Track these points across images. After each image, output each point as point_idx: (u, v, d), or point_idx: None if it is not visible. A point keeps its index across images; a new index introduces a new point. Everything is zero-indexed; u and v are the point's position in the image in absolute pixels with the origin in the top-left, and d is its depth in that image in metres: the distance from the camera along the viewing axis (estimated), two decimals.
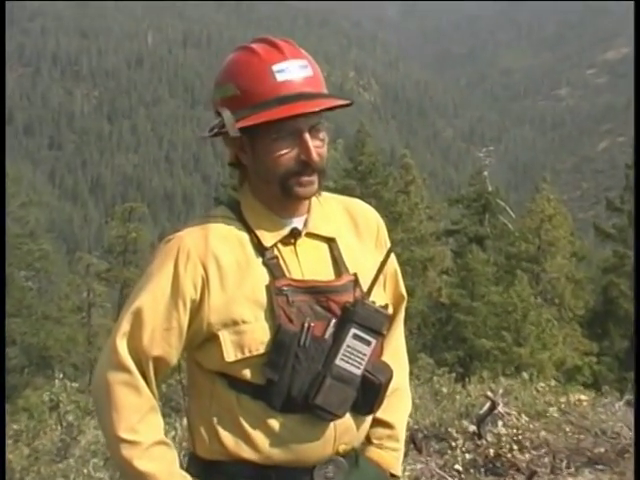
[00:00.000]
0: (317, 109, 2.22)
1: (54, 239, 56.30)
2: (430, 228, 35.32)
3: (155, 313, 2.23)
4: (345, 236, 2.39)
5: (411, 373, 2.70)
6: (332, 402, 2.22)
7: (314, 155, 2.24)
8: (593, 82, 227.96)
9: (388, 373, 2.33)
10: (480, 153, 40.64)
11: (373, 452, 2.49)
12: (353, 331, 2.23)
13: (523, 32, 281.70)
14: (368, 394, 2.28)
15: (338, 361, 2.22)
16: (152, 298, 2.23)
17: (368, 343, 2.25)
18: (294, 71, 2.24)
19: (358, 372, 2.25)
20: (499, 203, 35.54)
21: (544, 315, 28.18)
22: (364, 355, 2.25)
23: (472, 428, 7.11)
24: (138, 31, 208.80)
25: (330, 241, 2.35)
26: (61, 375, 9.83)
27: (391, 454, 2.52)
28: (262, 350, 2.21)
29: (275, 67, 2.23)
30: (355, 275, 2.32)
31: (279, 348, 2.19)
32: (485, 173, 36.59)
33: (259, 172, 2.29)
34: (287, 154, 2.23)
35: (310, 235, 2.34)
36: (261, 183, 2.30)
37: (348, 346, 2.23)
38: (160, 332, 2.23)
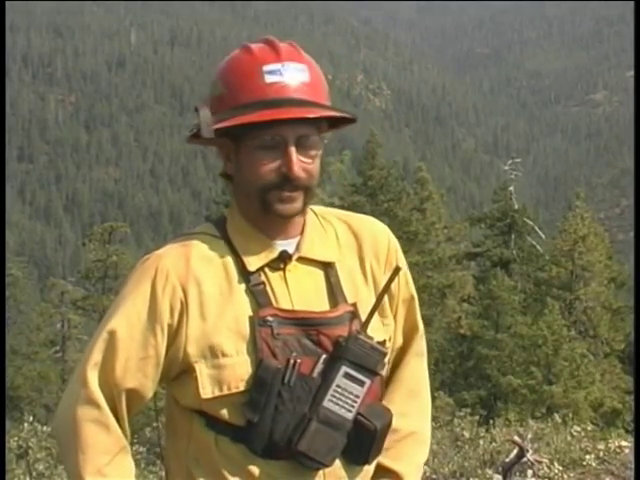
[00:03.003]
0: (302, 116, 2.21)
1: (24, 263, 56.21)
2: (449, 250, 35.30)
3: (130, 340, 2.22)
4: (346, 260, 2.38)
5: None
6: (318, 449, 2.20)
7: (296, 169, 2.22)
8: (633, 85, 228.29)
9: (386, 418, 2.30)
10: (505, 166, 40.55)
11: None
12: (344, 369, 2.22)
13: (554, 30, 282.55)
14: (362, 441, 2.26)
15: (326, 402, 2.21)
16: (127, 323, 2.23)
17: (361, 383, 2.23)
18: (287, 74, 2.24)
19: (349, 416, 2.23)
20: (527, 222, 35.52)
21: (578, 349, 28.11)
22: (356, 397, 2.23)
23: (497, 478, 7.08)
24: (120, 29, 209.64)
25: (327, 266, 2.34)
26: (31, 418, 9.81)
27: None
28: (242, 387, 2.20)
29: (266, 68, 2.24)
30: (354, 305, 2.31)
31: (260, 386, 2.18)
32: (511, 188, 36.57)
33: (240, 184, 2.30)
34: (268, 165, 2.23)
35: (303, 260, 2.33)
36: (243, 197, 2.31)
37: (338, 386, 2.21)
38: (135, 361, 2.23)
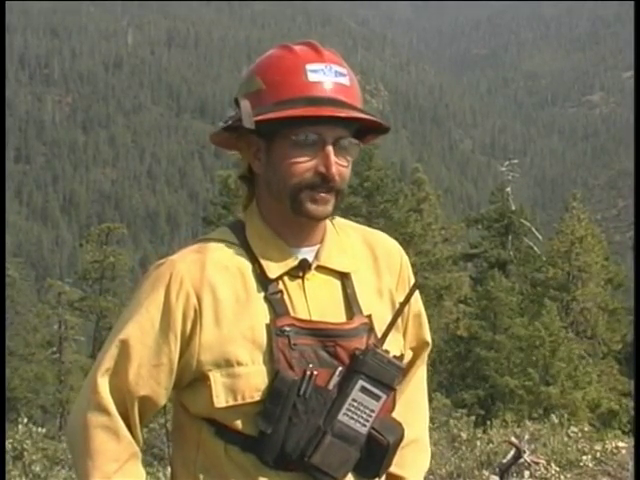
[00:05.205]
0: (347, 115, 2.21)
1: (21, 264, 56.19)
2: (446, 252, 35.32)
3: (143, 347, 2.19)
4: (362, 271, 2.36)
5: None
6: (331, 462, 2.18)
7: (334, 169, 2.21)
8: (630, 86, 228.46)
9: (398, 433, 2.29)
10: (502, 167, 40.65)
11: None
12: (361, 383, 2.20)
13: (551, 31, 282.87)
14: (374, 456, 2.25)
15: (341, 416, 2.18)
16: (139, 330, 2.20)
17: (377, 398, 2.21)
18: (329, 75, 2.24)
19: (363, 430, 2.21)
20: (524, 223, 35.56)
21: (576, 350, 28.13)
22: (371, 411, 2.21)
23: (495, 479, 7.07)
24: (117, 30, 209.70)
25: (344, 277, 2.32)
26: (26, 419, 9.79)
27: None
28: (257, 397, 2.17)
29: (309, 66, 2.23)
30: (369, 317, 2.29)
31: (275, 397, 2.16)
32: (508, 190, 36.63)
33: (271, 183, 2.25)
34: (304, 163, 2.20)
35: (321, 269, 2.30)
36: (271, 199, 2.27)
37: (354, 400, 2.19)
38: (148, 368, 2.20)
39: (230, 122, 2.25)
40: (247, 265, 2.25)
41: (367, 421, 2.20)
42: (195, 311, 2.20)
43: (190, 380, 2.23)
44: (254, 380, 2.17)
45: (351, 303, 2.29)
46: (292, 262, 2.26)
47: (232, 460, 2.22)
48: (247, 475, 2.21)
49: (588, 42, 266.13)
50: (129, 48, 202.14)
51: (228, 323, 2.20)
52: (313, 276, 2.28)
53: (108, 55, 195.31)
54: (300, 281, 2.27)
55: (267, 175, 2.26)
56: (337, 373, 2.20)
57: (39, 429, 9.13)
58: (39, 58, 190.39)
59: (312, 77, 2.21)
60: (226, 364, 2.18)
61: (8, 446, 8.97)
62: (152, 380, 2.21)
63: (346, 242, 2.37)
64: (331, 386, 2.19)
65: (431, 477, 7.39)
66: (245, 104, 2.21)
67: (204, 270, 2.22)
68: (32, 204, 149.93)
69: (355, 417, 2.19)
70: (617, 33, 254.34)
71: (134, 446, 2.22)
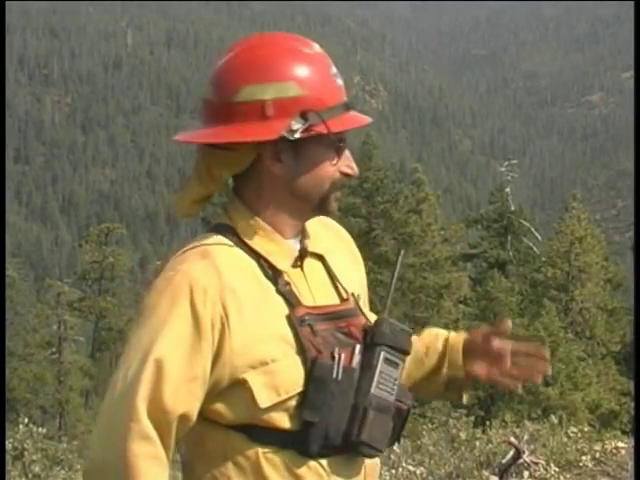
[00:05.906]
0: (371, 120, 2.32)
1: (20, 264, 56.25)
2: (445, 252, 35.30)
3: (178, 363, 2.15)
4: (334, 253, 2.41)
5: (424, 416, 2.70)
6: (376, 436, 2.24)
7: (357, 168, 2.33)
8: (629, 87, 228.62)
9: (410, 396, 2.37)
10: (502, 167, 40.67)
11: (454, 339, 2.61)
12: (384, 355, 2.26)
13: (550, 31, 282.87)
14: (396, 422, 2.32)
15: (374, 390, 2.23)
16: (171, 346, 2.16)
17: (397, 366, 2.29)
18: (340, 77, 2.31)
19: (392, 399, 2.28)
20: (523, 224, 35.58)
21: (575, 351, 28.12)
22: (395, 379, 2.28)
23: (494, 479, 7.07)
24: (116, 30, 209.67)
25: (322, 260, 2.37)
26: (26, 419, 9.79)
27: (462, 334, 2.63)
28: (299, 389, 2.20)
29: (332, 70, 2.28)
30: (353, 295, 2.36)
31: (318, 384, 2.19)
32: (507, 190, 36.64)
33: (298, 184, 2.27)
34: (334, 165, 2.27)
35: (311, 255, 2.34)
36: (289, 197, 2.29)
37: (382, 372, 2.25)
38: (185, 384, 2.16)
39: (298, 135, 2.22)
40: (252, 263, 2.26)
41: (393, 390, 2.27)
42: (222, 318, 2.18)
43: (221, 389, 2.21)
44: (291, 373, 2.19)
45: (337, 284, 2.35)
46: (294, 252, 2.30)
47: (270, 461, 2.21)
48: (289, 472, 2.22)
49: (587, 42, 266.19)
50: (128, 48, 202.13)
51: (254, 323, 2.20)
52: (308, 263, 2.33)
53: (107, 55, 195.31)
54: (300, 270, 2.30)
55: (293, 176, 2.26)
56: (357, 351, 2.25)
57: (39, 429, 9.12)
58: (38, 58, 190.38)
59: (338, 81, 2.28)
60: (261, 364, 2.19)
61: (8, 446, 8.94)
62: (188, 395, 2.17)
63: (312, 228, 2.40)
64: (354, 364, 2.24)
65: (430, 477, 7.38)
66: (313, 116, 2.21)
67: (221, 275, 2.20)
68: (31, 204, 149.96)
69: (385, 388, 2.25)
70: (616, 33, 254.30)
71: (168, 468, 2.19)
